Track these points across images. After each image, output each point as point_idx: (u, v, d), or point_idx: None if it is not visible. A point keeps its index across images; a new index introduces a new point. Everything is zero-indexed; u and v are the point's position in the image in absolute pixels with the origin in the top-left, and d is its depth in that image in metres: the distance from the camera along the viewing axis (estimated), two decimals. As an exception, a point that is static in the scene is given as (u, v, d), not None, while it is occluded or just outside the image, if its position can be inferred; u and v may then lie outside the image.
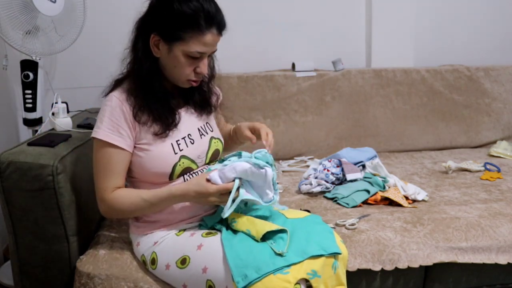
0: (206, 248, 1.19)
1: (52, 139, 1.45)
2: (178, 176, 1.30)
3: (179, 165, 1.27)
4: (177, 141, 1.29)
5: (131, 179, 1.34)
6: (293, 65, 2.36)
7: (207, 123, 1.40)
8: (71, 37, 1.95)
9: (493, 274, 1.51)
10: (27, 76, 1.87)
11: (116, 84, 1.29)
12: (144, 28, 1.24)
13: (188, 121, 1.34)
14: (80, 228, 1.41)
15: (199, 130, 1.36)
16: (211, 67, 1.36)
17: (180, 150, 1.28)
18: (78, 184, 1.41)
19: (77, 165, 1.43)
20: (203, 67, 1.24)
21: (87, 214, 1.47)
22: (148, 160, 1.25)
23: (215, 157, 1.40)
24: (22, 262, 1.37)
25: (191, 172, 1.32)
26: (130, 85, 1.26)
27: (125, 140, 1.23)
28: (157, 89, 1.26)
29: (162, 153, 1.25)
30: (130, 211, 1.26)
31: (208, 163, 1.37)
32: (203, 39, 1.19)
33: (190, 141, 1.32)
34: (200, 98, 1.38)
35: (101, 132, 1.22)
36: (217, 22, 1.20)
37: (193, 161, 1.31)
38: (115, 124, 1.22)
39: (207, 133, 1.37)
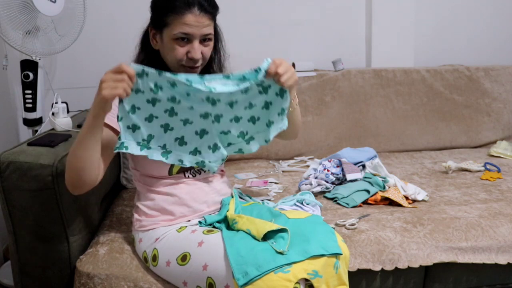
0: (206, 245, 1.19)
1: (52, 139, 1.45)
2: (178, 172, 1.33)
3: None
4: None
5: (135, 171, 1.38)
6: (293, 65, 2.36)
7: None
8: (71, 37, 1.96)
9: (493, 274, 1.51)
10: (27, 76, 1.87)
11: None
12: (146, 27, 1.32)
13: None
14: (80, 228, 1.41)
15: None
16: (215, 62, 1.36)
17: None
18: (78, 184, 1.41)
19: (77, 165, 1.43)
20: (193, 52, 1.24)
21: (87, 214, 1.47)
22: None
23: None
24: (22, 262, 1.37)
25: (192, 170, 1.35)
26: None
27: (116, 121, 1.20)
28: None
29: None
30: (69, 158, 1.16)
31: None
32: (183, 20, 1.20)
33: None
34: None
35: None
36: (196, 2, 1.21)
37: None
38: (114, 107, 1.20)
39: None
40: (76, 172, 1.15)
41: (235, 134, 1.30)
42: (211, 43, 1.29)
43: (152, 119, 1.20)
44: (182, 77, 1.14)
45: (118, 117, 1.15)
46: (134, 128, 1.19)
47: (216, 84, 1.17)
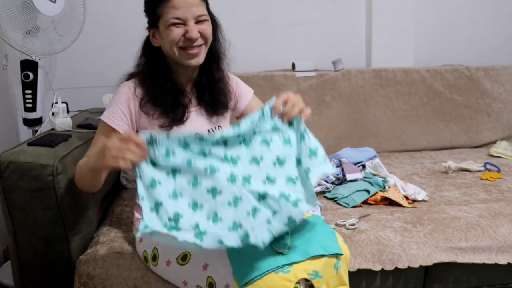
0: None
1: (52, 139, 1.45)
2: None
3: None
4: None
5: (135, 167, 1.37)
6: (293, 65, 2.36)
7: (219, 126, 1.40)
8: (71, 37, 1.95)
9: (493, 274, 1.51)
10: (27, 76, 1.87)
11: (130, 76, 1.36)
12: (146, 36, 1.34)
13: (197, 121, 1.35)
14: (80, 228, 1.41)
15: (208, 132, 1.36)
16: (216, 49, 1.35)
17: None
18: (78, 184, 1.41)
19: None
20: (191, 32, 1.24)
21: (87, 214, 1.47)
22: None
23: None
24: (22, 262, 1.37)
25: None
26: (141, 78, 1.32)
27: (123, 125, 1.29)
28: (164, 81, 1.30)
29: None
30: (77, 171, 1.27)
31: None
32: (171, 4, 1.22)
33: None
34: (211, 99, 1.37)
35: (106, 114, 1.30)
36: None
37: None
38: (119, 109, 1.29)
39: None
40: (82, 187, 1.28)
41: (275, 196, 1.11)
42: (208, 23, 1.29)
43: (176, 197, 1.08)
44: (190, 134, 1.12)
45: (138, 196, 1.05)
46: (157, 207, 1.06)
47: (226, 130, 1.16)
